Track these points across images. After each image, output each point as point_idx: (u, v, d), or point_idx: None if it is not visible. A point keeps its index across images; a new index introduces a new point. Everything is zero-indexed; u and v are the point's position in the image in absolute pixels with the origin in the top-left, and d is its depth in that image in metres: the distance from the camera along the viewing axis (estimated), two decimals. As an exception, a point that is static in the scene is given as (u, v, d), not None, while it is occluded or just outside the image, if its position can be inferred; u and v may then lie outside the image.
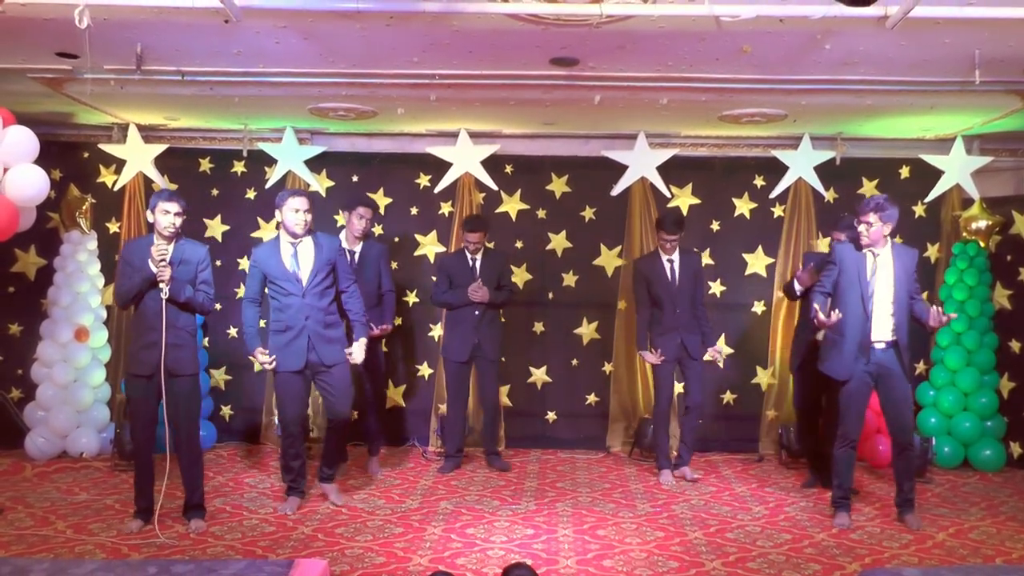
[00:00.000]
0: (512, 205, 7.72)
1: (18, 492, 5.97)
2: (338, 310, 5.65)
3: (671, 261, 6.54)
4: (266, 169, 7.56)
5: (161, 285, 4.91)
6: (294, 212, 5.36)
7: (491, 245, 7.16)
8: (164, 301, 4.92)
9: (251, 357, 5.66)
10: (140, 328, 5.06)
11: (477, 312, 6.67)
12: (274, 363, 5.44)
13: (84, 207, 7.23)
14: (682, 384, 6.76)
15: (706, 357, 6.64)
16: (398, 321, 7.62)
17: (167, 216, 4.96)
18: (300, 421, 5.61)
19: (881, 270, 5.30)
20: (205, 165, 7.73)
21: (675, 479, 6.51)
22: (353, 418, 6.31)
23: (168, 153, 7.33)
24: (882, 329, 5.29)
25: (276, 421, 7.29)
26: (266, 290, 5.57)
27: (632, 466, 7.03)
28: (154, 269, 4.91)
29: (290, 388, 5.52)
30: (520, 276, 7.68)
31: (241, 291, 7.61)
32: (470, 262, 6.76)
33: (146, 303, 5.01)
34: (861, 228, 5.28)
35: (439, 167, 7.30)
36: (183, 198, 5.11)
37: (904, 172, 7.54)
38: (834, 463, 5.51)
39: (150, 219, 5.04)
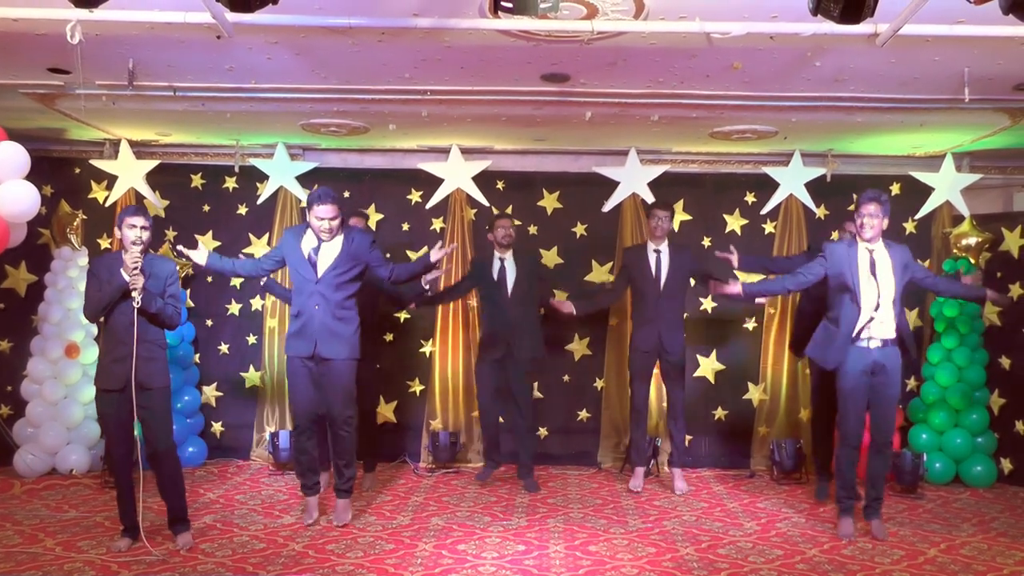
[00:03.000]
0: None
1: (7, 509, 5.93)
2: (357, 310, 5.59)
3: (657, 252, 6.56)
4: (258, 185, 7.55)
5: (133, 294, 4.85)
6: (318, 220, 5.38)
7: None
8: (135, 312, 4.86)
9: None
10: (110, 342, 5.02)
11: None
12: (190, 253, 5.44)
13: (75, 223, 7.21)
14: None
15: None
16: (389, 337, 7.63)
17: (133, 230, 4.91)
18: (308, 415, 5.56)
19: (881, 267, 5.27)
20: (197, 181, 7.73)
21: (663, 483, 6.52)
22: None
23: (160, 169, 7.33)
24: (885, 327, 5.28)
25: (267, 437, 7.30)
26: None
27: (623, 482, 6.99)
28: (127, 277, 4.86)
29: (298, 377, 5.54)
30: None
31: (233, 307, 7.67)
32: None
33: (115, 317, 4.95)
34: (865, 221, 5.22)
35: (431, 183, 7.31)
36: (144, 214, 5.01)
37: (895, 189, 7.57)
38: (836, 464, 5.54)
39: (117, 235, 5.01)
